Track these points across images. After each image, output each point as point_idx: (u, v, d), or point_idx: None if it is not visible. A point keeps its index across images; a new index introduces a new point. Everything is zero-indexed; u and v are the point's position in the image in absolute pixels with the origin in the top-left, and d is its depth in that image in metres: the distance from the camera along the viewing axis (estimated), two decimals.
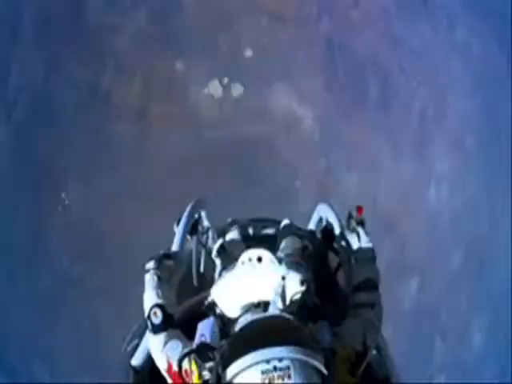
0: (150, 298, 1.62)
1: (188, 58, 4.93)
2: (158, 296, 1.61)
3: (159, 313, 1.56)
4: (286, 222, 2.36)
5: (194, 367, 1.35)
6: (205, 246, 2.21)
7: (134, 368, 1.78)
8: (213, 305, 1.61)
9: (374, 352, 1.82)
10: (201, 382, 1.32)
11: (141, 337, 1.78)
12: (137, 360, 1.77)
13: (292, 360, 1.12)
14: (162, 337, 1.54)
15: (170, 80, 4.89)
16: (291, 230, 2.28)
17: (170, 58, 4.94)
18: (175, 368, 1.43)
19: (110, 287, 4.29)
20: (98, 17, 4.88)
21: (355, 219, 1.94)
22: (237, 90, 4.94)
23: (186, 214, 2.04)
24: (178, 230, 1.98)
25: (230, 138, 4.80)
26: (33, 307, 4.22)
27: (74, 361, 4.13)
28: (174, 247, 1.92)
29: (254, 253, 1.63)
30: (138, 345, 1.79)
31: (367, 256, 1.77)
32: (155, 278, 1.67)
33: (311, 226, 2.40)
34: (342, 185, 4.88)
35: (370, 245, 1.82)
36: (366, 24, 5.14)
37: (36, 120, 4.62)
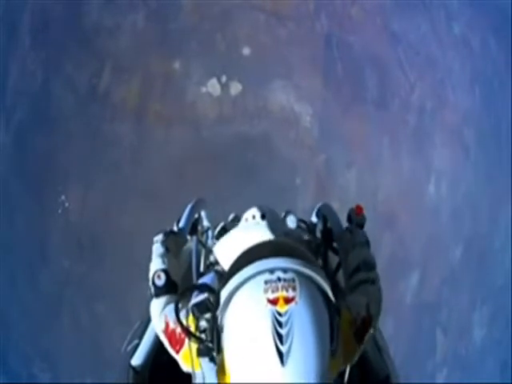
0: (156, 264, 1.61)
1: (186, 57, 4.91)
2: (164, 262, 1.61)
3: (163, 276, 1.55)
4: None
5: (190, 321, 1.30)
6: (205, 245, 2.22)
7: (133, 368, 1.78)
8: (214, 264, 1.61)
9: (376, 349, 1.82)
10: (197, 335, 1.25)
11: (141, 337, 1.78)
12: (137, 360, 1.77)
13: (297, 273, 1.05)
14: (163, 299, 1.53)
15: (168, 79, 4.87)
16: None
17: (168, 58, 4.92)
18: (172, 325, 1.40)
19: (110, 287, 4.28)
20: (96, 18, 4.86)
21: (355, 220, 1.92)
22: (235, 88, 4.93)
23: (186, 213, 2.04)
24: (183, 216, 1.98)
25: (229, 135, 4.80)
26: (33, 308, 4.22)
27: (75, 361, 4.13)
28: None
29: (257, 210, 1.61)
30: (138, 345, 1.79)
31: (362, 240, 1.72)
32: (162, 248, 1.66)
33: None
34: (342, 181, 4.88)
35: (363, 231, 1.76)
36: (364, 20, 5.13)
37: (35, 121, 4.60)
